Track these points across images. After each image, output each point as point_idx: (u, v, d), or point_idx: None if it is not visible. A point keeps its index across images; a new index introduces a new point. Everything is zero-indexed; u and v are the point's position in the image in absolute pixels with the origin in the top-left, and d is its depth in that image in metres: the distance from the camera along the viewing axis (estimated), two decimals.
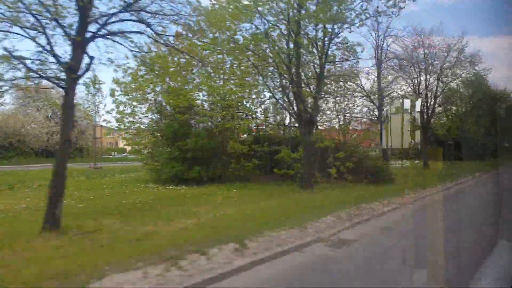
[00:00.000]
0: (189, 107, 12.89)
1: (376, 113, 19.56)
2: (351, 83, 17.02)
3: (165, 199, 10.25)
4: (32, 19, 6.39)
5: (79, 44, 6.43)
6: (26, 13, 6.26)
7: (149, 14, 7.23)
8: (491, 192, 14.02)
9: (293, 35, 12.03)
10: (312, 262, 5.46)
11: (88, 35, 6.64)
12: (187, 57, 9.36)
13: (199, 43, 9.39)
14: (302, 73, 13.46)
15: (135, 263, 4.78)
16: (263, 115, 15.64)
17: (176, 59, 11.74)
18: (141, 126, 15.49)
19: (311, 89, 14.34)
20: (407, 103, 23.24)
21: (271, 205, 9.48)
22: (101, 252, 5.22)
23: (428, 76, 22.97)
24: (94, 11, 6.72)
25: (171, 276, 4.48)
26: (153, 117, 15.29)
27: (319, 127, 16.88)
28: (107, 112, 45.33)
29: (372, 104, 17.74)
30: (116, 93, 15.18)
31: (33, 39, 6.47)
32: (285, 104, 13.65)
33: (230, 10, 11.64)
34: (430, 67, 22.59)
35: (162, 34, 7.66)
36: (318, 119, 16.38)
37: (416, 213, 9.88)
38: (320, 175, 14.65)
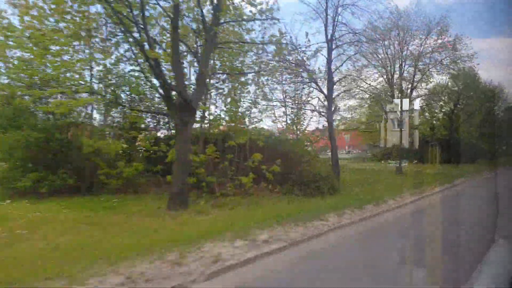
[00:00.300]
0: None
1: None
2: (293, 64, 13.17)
3: None
4: None
5: None
6: None
7: None
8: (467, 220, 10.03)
9: None
10: None
11: None
12: None
13: None
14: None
15: None
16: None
17: None
18: None
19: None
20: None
21: (76, 241, 5.74)
22: None
23: (403, 64, 19.27)
24: None
25: None
26: None
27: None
28: None
29: (321, 93, 13.94)
30: None
31: None
32: (146, 78, 9.71)
33: None
34: (405, 51, 18.85)
35: None
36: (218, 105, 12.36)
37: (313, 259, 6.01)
38: (233, 184, 10.92)
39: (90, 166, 9.70)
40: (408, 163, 31.40)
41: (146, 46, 7.71)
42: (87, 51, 9.38)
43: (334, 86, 15.08)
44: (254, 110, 12.68)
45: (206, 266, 4.79)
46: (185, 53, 10.78)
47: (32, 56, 8.13)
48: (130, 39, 8.37)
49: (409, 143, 30.10)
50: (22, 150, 8.79)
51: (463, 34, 18.63)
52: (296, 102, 14.96)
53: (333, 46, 13.63)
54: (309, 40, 18.24)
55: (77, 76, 8.78)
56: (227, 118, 12.00)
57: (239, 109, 11.86)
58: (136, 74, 10.52)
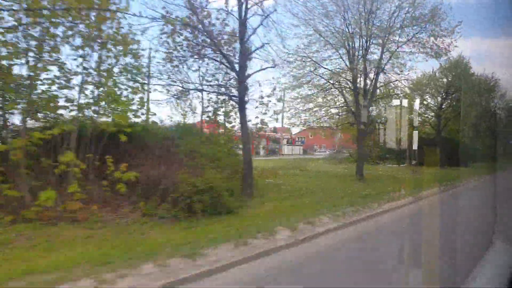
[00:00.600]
0: None
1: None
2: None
3: None
4: None
5: None
6: None
7: None
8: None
9: None
10: None
11: None
12: None
13: None
14: None
15: None
16: None
17: None
18: None
19: None
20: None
21: None
22: None
23: (367, 41, 15.27)
24: None
25: None
26: None
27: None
28: None
29: (230, 70, 10.03)
30: None
31: None
32: None
33: None
34: (369, 25, 14.86)
35: None
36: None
37: None
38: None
39: None
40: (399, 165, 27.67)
41: None
42: None
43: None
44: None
45: None
46: None
47: None
48: None
49: (397, 143, 26.35)
50: None
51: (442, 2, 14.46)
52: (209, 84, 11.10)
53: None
54: None
55: None
56: None
57: None
58: None
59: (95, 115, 8.30)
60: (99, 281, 4.29)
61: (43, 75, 7.43)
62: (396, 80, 16.47)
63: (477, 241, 6.60)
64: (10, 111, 7.44)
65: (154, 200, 7.80)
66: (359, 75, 15.94)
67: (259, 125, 12.25)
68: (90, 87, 8.16)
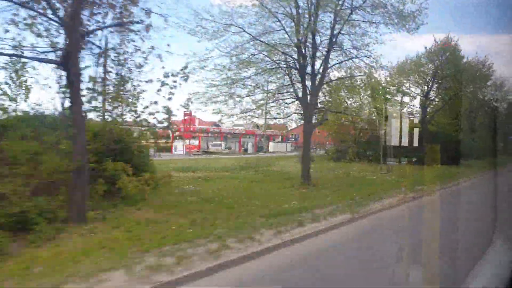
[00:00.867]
0: None
1: None
2: None
3: None
4: None
5: None
6: None
7: None
8: None
9: None
10: None
11: None
12: None
13: None
14: None
15: None
16: None
17: None
18: None
19: None
20: None
21: None
22: None
23: (316, 5, 11.62)
24: None
25: None
26: None
27: None
28: None
29: None
30: None
31: None
32: None
33: None
34: None
35: None
36: None
37: None
38: None
39: None
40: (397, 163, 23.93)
41: None
42: None
43: None
44: None
45: None
46: None
47: None
48: None
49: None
50: None
51: None
52: None
53: None
54: None
55: None
56: None
57: None
58: None
59: None
60: None
61: None
62: (354, 57, 12.79)
63: None
64: None
65: None
66: (306, 51, 12.35)
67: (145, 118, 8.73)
68: None
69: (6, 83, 7.73)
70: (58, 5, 6.50)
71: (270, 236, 6.20)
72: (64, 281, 3.99)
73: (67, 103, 6.76)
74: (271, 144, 55.72)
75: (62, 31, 6.69)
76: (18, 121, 7.56)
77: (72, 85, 6.40)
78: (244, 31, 12.20)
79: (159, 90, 8.62)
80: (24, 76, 7.78)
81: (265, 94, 14.15)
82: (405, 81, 24.11)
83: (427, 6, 11.71)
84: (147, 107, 8.62)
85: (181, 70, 9.00)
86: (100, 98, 7.73)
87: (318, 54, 12.82)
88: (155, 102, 8.68)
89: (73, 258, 4.72)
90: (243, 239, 5.92)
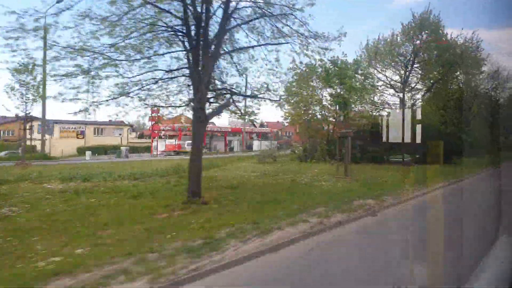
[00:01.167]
0: None
1: None
2: None
3: None
4: None
5: None
6: None
7: None
8: None
9: None
10: None
11: None
12: None
13: None
14: None
15: None
16: None
17: None
18: None
19: None
20: None
21: None
22: None
23: None
24: None
25: None
26: None
27: None
28: None
29: None
30: None
31: None
32: None
33: None
34: None
35: None
36: None
37: None
38: None
39: None
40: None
41: None
42: None
43: None
44: None
45: None
46: None
47: None
48: None
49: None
50: None
51: None
52: None
53: None
54: None
55: None
56: None
57: None
58: None
59: None
60: None
61: None
62: (270, 15, 8.85)
63: None
64: None
65: None
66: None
67: None
68: None
69: None
70: None
71: None
72: None
73: None
74: (255, 142, 52.74)
75: None
76: None
77: None
78: None
79: None
80: None
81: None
82: (378, 65, 20.11)
83: None
84: None
85: None
86: None
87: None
88: None
89: None
90: None
